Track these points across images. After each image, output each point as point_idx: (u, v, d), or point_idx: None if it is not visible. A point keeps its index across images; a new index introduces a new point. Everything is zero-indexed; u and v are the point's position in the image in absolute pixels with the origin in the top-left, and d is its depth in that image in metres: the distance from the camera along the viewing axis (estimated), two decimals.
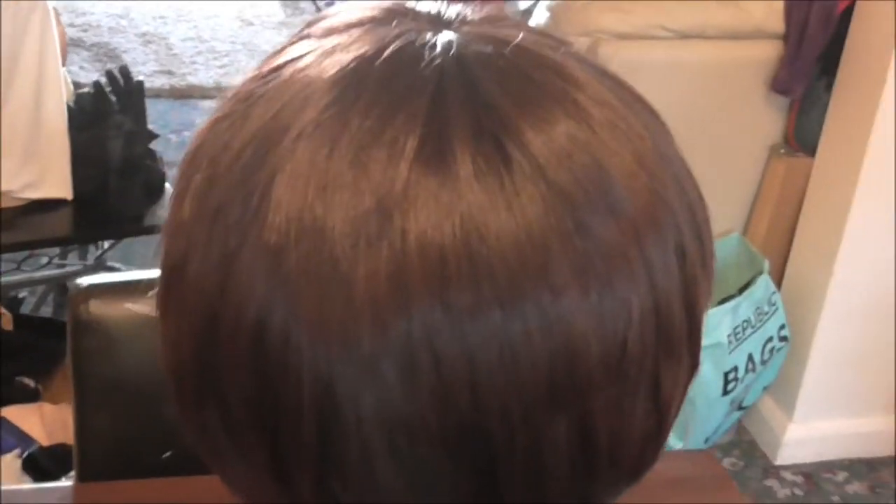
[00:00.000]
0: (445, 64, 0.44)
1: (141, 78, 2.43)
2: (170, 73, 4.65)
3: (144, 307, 0.56)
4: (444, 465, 0.42)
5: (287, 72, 0.46)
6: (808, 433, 2.70)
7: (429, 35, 0.46)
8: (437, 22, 0.48)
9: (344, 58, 0.45)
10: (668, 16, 2.44)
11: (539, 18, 2.55)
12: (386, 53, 0.44)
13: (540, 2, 2.64)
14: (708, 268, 0.48)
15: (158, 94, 4.40)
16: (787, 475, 2.68)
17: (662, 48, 2.45)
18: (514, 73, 0.44)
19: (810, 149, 2.54)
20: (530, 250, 0.40)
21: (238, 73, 4.53)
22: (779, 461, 2.71)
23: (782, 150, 2.61)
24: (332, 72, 0.44)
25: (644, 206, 0.43)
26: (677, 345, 0.46)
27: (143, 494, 1.13)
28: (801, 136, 2.57)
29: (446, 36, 0.46)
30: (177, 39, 5.04)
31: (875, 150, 2.33)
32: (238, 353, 0.43)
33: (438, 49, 0.44)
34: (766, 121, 2.60)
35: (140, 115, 2.39)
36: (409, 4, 0.49)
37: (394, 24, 0.47)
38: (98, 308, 1.17)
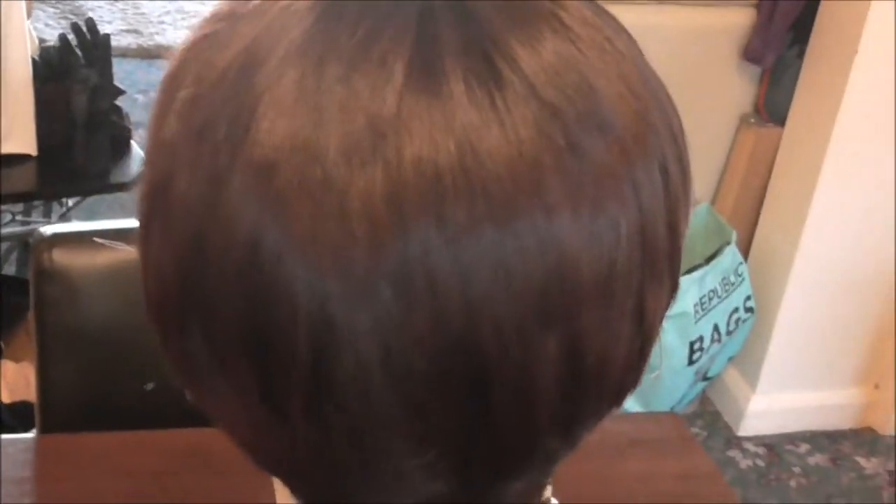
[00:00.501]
0: None
1: (106, 29, 2.39)
2: (137, 32, 4.59)
3: (115, 243, 0.55)
4: (438, 384, 0.41)
5: None
6: (770, 405, 2.71)
7: None
8: None
9: None
10: None
11: None
12: None
13: None
14: (688, 191, 0.48)
15: (125, 53, 4.35)
16: (750, 446, 2.70)
17: (635, 12, 2.44)
18: None
19: (780, 119, 2.55)
20: (523, 168, 0.40)
21: None
22: (741, 432, 2.72)
23: (752, 120, 2.62)
24: None
25: (631, 125, 0.43)
26: (661, 266, 0.46)
27: (107, 446, 1.12)
28: (772, 106, 2.57)
29: None
30: None
31: (844, 121, 2.33)
32: (227, 273, 0.42)
33: None
34: (737, 90, 2.60)
35: (106, 70, 2.35)
36: None
37: None
38: (62, 257, 1.15)
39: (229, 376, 0.44)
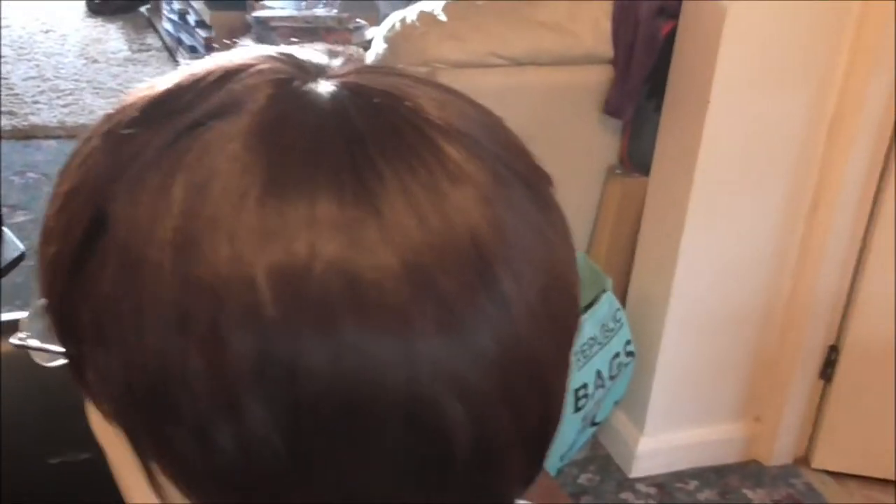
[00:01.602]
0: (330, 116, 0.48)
1: None
2: (11, 113, 4.55)
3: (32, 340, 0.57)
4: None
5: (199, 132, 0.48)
6: (658, 445, 2.78)
7: (311, 84, 0.50)
8: (313, 71, 0.52)
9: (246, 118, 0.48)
10: (502, 43, 2.50)
11: (377, 49, 2.59)
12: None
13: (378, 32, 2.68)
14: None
15: None
16: (642, 487, 2.75)
17: (498, 75, 2.52)
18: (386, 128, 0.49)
19: (644, 169, 2.63)
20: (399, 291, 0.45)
21: (83, 112, 4.46)
22: (633, 474, 2.78)
23: (618, 171, 2.70)
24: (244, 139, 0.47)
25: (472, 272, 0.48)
26: None
27: None
28: (635, 157, 2.66)
29: (327, 86, 0.50)
30: (18, 79, 4.95)
31: (704, 166, 2.42)
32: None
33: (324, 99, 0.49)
34: (602, 143, 2.68)
35: None
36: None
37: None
38: None
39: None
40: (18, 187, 3.95)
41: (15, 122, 4.48)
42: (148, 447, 0.49)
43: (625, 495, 2.72)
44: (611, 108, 2.56)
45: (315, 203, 0.45)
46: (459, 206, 0.47)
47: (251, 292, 0.44)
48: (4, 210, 2.72)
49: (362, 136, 0.48)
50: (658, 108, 2.54)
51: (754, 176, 2.48)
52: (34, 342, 0.58)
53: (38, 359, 0.58)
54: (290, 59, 0.53)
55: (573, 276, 0.53)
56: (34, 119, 4.53)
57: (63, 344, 0.52)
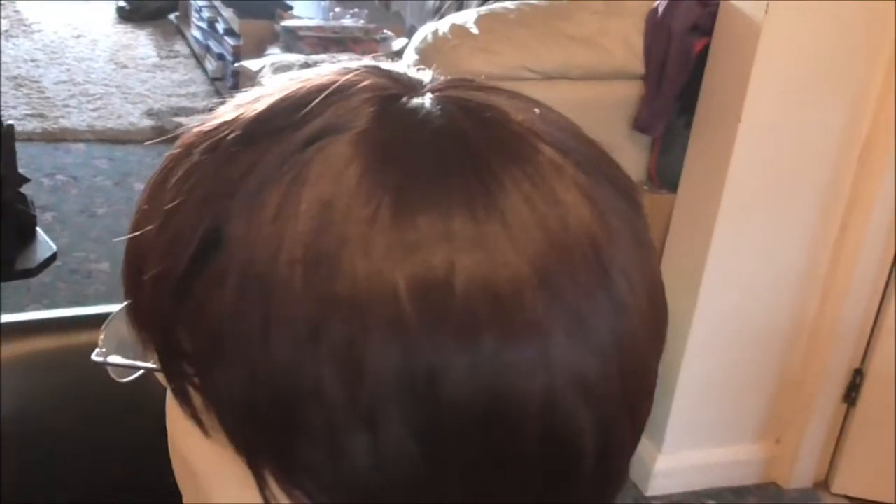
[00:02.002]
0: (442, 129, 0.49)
1: (11, 122, 2.40)
2: (42, 116, 4.59)
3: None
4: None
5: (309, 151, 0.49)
6: (676, 464, 2.77)
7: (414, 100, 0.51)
8: (413, 86, 0.53)
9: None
10: (533, 57, 2.52)
11: (408, 60, 2.60)
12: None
13: (410, 44, 2.70)
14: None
15: (30, 137, 4.35)
16: None
17: (528, 89, 2.48)
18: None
19: (672, 185, 2.63)
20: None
21: (112, 116, 4.50)
22: (650, 492, 2.77)
23: (645, 187, 2.70)
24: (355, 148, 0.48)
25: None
26: None
27: None
28: (663, 173, 2.66)
29: (433, 102, 0.51)
30: (49, 83, 4.99)
31: (732, 184, 2.42)
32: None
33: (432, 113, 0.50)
34: (630, 159, 2.68)
35: (10, 159, 2.37)
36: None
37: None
38: None
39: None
40: (48, 189, 3.98)
41: (46, 124, 4.52)
42: (268, 460, 0.49)
43: None
44: (641, 123, 2.57)
45: (450, 217, 0.46)
46: (574, 212, 0.48)
47: (393, 305, 0.45)
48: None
49: (480, 149, 0.48)
50: (688, 126, 2.55)
51: (783, 196, 2.48)
52: (117, 359, 0.58)
53: (115, 374, 0.59)
54: (387, 73, 0.54)
55: (663, 287, 0.54)
56: (64, 122, 4.57)
57: (168, 363, 0.51)
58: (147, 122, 4.62)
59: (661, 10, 2.50)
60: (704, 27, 2.46)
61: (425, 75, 0.55)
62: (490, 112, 0.51)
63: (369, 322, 0.45)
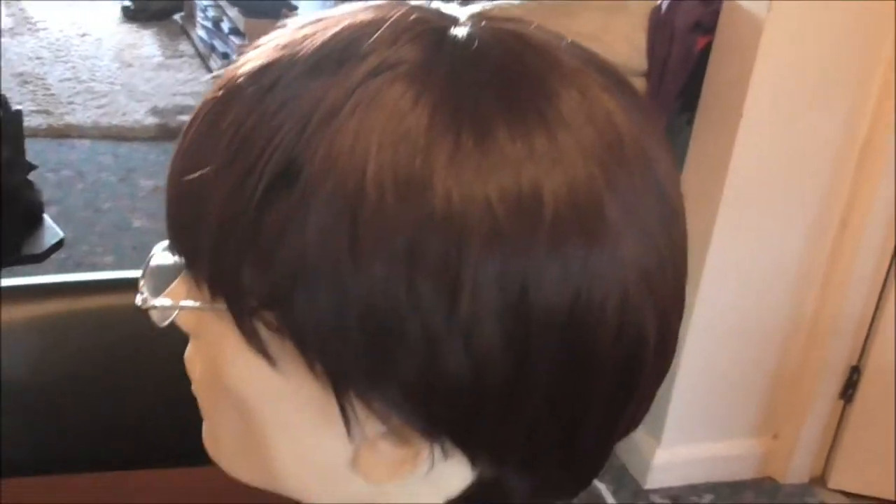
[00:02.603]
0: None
1: (18, 107, 2.43)
2: (47, 112, 4.62)
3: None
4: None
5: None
6: (675, 457, 2.79)
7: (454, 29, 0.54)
8: (456, 20, 0.55)
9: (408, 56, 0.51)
10: None
11: None
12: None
13: None
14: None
15: (35, 133, 4.37)
16: (656, 498, 2.77)
17: None
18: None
19: None
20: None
21: (117, 114, 4.52)
22: (648, 485, 2.79)
23: None
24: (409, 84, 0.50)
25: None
26: None
27: (23, 492, 1.16)
28: None
29: (483, 32, 0.54)
30: (54, 80, 5.02)
31: (733, 180, 2.45)
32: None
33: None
34: None
35: (18, 144, 2.40)
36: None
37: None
38: None
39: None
40: (53, 184, 4.00)
41: (51, 120, 4.55)
42: (358, 380, 0.51)
43: None
44: None
45: (530, 137, 0.49)
46: (619, 120, 0.52)
47: (489, 218, 0.47)
48: None
49: (537, 71, 0.52)
50: (690, 122, 2.57)
51: (784, 192, 2.50)
52: (164, 301, 0.59)
53: (156, 319, 0.60)
54: (428, 9, 0.56)
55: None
56: (69, 119, 4.59)
57: (235, 301, 0.52)
58: (152, 120, 4.64)
59: (664, 7, 2.53)
60: (707, 25, 2.48)
61: (458, 11, 0.57)
62: (528, 37, 0.54)
63: (466, 235, 0.47)
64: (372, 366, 0.50)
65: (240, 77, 0.54)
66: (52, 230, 2.50)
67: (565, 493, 0.59)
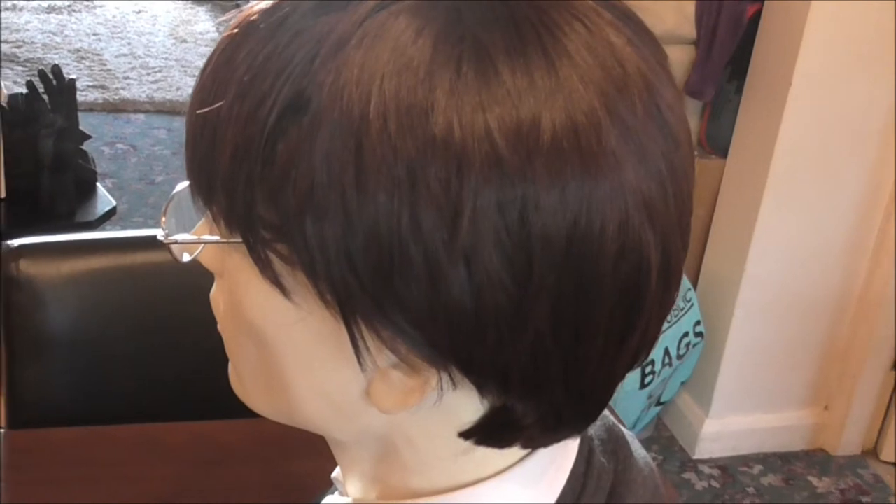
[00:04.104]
0: None
1: (73, 77, 2.47)
2: (103, 87, 4.68)
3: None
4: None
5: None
6: (724, 428, 2.79)
7: None
8: None
9: None
10: None
11: None
12: None
13: None
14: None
15: (91, 107, 4.44)
16: (705, 468, 2.77)
17: None
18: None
19: (722, 150, 2.65)
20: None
21: (171, 89, 4.57)
22: (696, 455, 2.80)
23: (695, 152, 2.71)
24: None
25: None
26: None
27: (68, 439, 1.19)
28: (713, 139, 2.67)
29: None
30: (110, 55, 5.08)
31: (782, 150, 2.43)
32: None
33: None
34: None
35: (71, 114, 2.44)
36: None
37: None
38: (28, 266, 1.23)
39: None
40: (108, 157, 4.06)
41: (107, 95, 4.61)
42: (365, 308, 0.52)
43: (687, 475, 2.74)
44: (691, 88, 2.58)
45: (531, 69, 0.50)
46: (624, 53, 0.52)
47: (488, 145, 0.48)
48: None
49: (542, 4, 0.52)
50: (739, 91, 2.56)
51: (834, 162, 2.48)
52: (184, 236, 0.61)
53: (177, 254, 0.62)
54: None
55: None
56: (124, 93, 4.65)
57: (248, 231, 0.53)
58: None
59: None
60: None
61: None
62: None
63: (465, 161, 0.48)
64: (378, 293, 0.51)
65: (253, 15, 0.55)
66: (105, 198, 2.54)
67: (575, 425, 0.59)
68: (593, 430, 0.67)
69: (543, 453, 0.61)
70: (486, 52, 0.50)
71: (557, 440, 0.60)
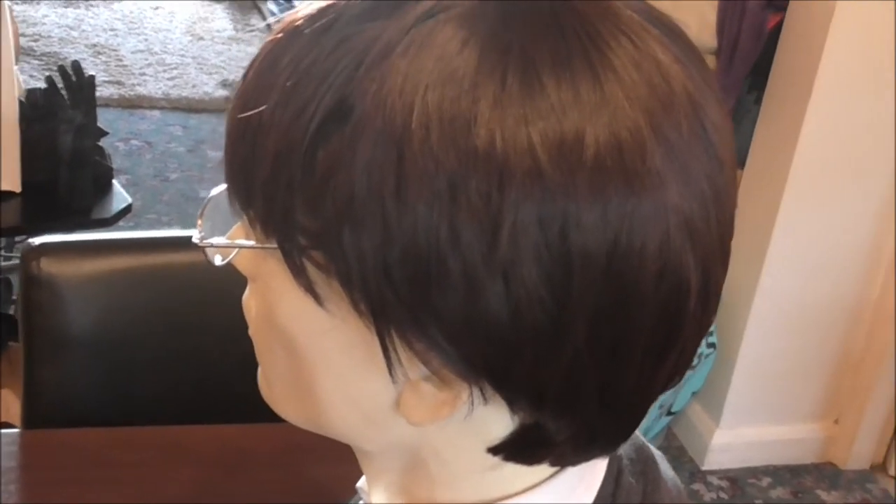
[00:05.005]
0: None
1: (92, 73, 2.47)
2: (119, 83, 4.68)
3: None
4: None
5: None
6: (734, 439, 2.78)
7: None
8: None
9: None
10: None
11: None
12: None
13: None
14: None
15: (107, 103, 4.44)
16: (714, 480, 2.76)
17: None
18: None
19: (740, 161, 2.64)
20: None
21: (187, 86, 4.58)
22: (706, 466, 2.79)
23: None
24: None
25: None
26: None
27: (86, 440, 1.19)
28: None
29: None
30: (127, 51, 5.09)
31: (800, 162, 2.43)
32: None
33: None
34: None
35: (90, 110, 2.44)
36: None
37: None
38: (49, 265, 1.22)
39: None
40: (122, 153, 4.07)
41: (122, 91, 4.61)
42: (400, 320, 0.51)
43: (696, 486, 2.73)
44: None
45: (576, 83, 0.49)
46: (671, 71, 0.51)
47: (530, 159, 0.48)
48: None
49: (589, 18, 0.52)
50: (758, 101, 2.55)
51: (851, 174, 2.48)
52: (219, 240, 0.61)
53: (212, 258, 0.61)
54: None
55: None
56: (140, 90, 4.66)
57: (285, 238, 0.53)
58: (221, 93, 4.69)
59: None
60: (779, 3, 2.46)
61: None
62: None
63: (507, 175, 0.48)
64: (413, 305, 0.50)
65: (298, 20, 0.55)
66: (120, 196, 2.54)
67: (606, 444, 0.59)
68: (623, 449, 0.66)
69: (573, 471, 0.61)
70: (532, 64, 0.49)
71: (588, 458, 0.59)
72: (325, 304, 0.54)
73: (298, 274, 0.54)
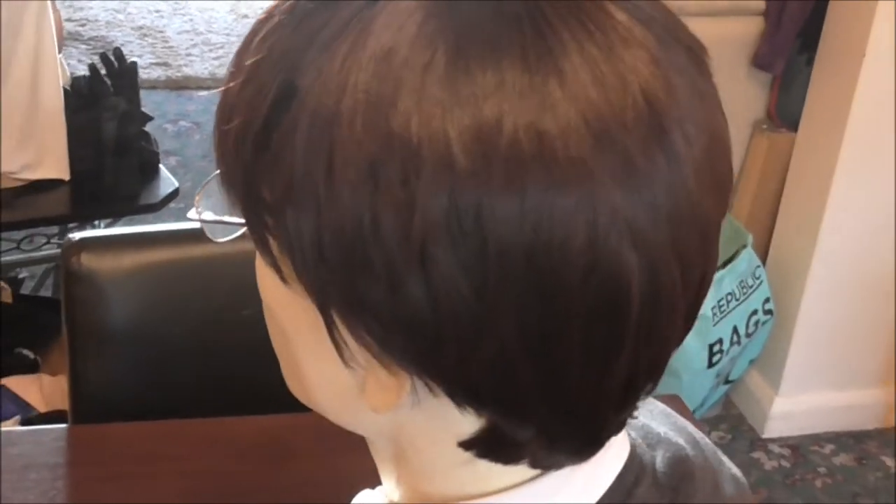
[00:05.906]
0: None
1: (134, 59, 2.47)
2: (166, 65, 4.70)
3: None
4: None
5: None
6: (794, 407, 2.75)
7: None
8: None
9: None
10: None
11: None
12: None
13: None
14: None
15: (154, 85, 4.46)
16: (775, 448, 2.73)
17: None
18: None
19: (792, 124, 2.59)
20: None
21: None
22: (766, 434, 2.76)
23: (765, 126, 2.66)
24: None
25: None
26: None
27: (132, 434, 1.19)
28: (784, 112, 2.62)
29: None
30: (173, 32, 5.10)
31: (855, 123, 2.38)
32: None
33: None
34: (749, 97, 2.64)
35: (133, 97, 2.44)
36: None
37: None
38: (89, 260, 1.22)
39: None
40: (171, 134, 4.08)
41: (169, 72, 4.63)
42: (337, 304, 0.51)
43: (757, 454, 2.70)
44: (760, 61, 2.52)
45: (502, 70, 0.47)
46: (632, 67, 0.49)
47: (443, 147, 0.47)
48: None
49: (547, 11, 0.49)
50: (810, 62, 2.50)
51: None
52: (209, 215, 0.62)
53: (211, 234, 0.63)
54: None
55: (729, 142, 0.55)
56: (187, 70, 4.67)
57: (250, 213, 0.54)
58: None
59: None
60: None
61: None
62: None
63: (420, 161, 0.47)
64: (346, 290, 0.50)
65: (278, 2, 0.55)
66: (167, 180, 2.55)
67: (571, 450, 0.57)
68: (658, 460, 0.64)
69: (558, 476, 0.59)
70: (464, 49, 0.48)
71: (561, 464, 0.58)
72: (288, 281, 0.55)
73: (262, 249, 0.55)
